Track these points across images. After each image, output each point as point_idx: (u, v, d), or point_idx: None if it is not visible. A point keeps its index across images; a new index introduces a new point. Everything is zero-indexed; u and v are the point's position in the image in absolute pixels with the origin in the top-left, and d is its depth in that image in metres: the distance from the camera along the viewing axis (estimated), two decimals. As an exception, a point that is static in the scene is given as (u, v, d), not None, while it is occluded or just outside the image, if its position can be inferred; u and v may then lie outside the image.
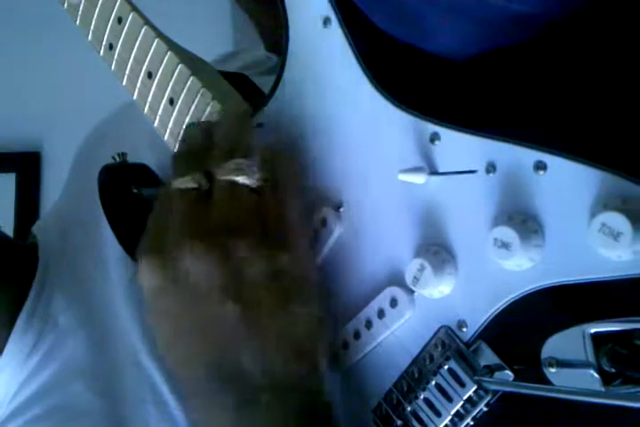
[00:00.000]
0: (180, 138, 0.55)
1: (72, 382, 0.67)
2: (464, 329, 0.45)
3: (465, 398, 0.44)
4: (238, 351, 0.47)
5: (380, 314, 0.48)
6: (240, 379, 0.47)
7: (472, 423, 0.44)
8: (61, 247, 0.73)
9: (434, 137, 0.45)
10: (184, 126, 0.56)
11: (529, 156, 0.41)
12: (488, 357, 0.44)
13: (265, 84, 0.59)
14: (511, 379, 0.43)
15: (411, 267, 0.46)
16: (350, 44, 0.49)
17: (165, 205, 0.51)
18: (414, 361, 0.47)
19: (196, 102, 0.56)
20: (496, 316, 0.44)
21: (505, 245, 0.41)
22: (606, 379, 0.39)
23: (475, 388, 0.44)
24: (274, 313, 0.47)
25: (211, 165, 0.50)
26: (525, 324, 0.43)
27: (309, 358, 0.48)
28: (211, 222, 0.48)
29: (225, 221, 0.48)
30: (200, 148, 0.52)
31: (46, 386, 0.67)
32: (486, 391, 0.44)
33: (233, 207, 0.49)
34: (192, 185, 0.50)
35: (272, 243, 0.48)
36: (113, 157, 0.66)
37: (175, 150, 0.56)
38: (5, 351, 0.68)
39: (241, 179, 0.49)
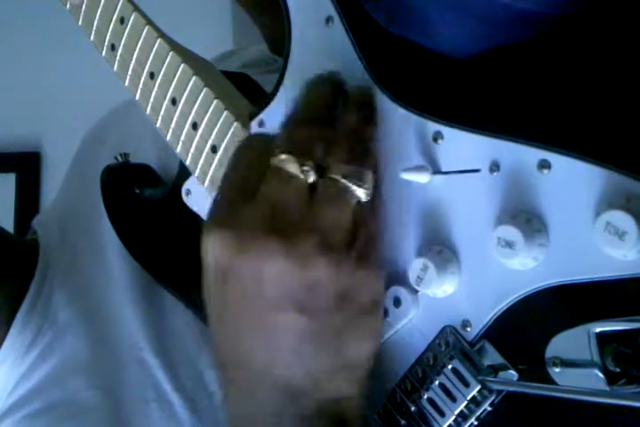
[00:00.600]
0: (303, 93, 0.49)
1: (72, 378, 0.67)
2: (468, 329, 0.45)
3: (469, 397, 0.44)
4: (290, 361, 0.45)
5: (384, 313, 0.48)
6: (285, 384, 0.45)
7: (476, 423, 0.44)
8: (62, 244, 0.73)
9: (437, 136, 0.45)
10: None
11: (533, 154, 0.41)
12: (492, 356, 0.44)
13: (266, 82, 0.59)
14: (515, 379, 0.43)
15: (414, 266, 0.46)
16: (353, 43, 0.49)
17: (255, 169, 0.46)
18: (418, 361, 0.47)
19: (198, 102, 0.56)
20: (500, 315, 0.43)
21: (509, 245, 0.41)
22: (611, 378, 0.39)
23: (479, 388, 0.44)
24: (337, 331, 0.45)
25: (329, 156, 0.45)
26: (530, 323, 0.43)
27: (358, 378, 0.46)
28: (303, 225, 0.44)
29: (320, 230, 0.44)
30: (326, 120, 0.47)
31: (45, 381, 0.67)
32: (490, 391, 0.44)
33: (334, 218, 0.44)
34: (297, 173, 0.44)
35: (355, 261, 0.44)
36: (115, 158, 0.66)
37: (297, 109, 0.49)
38: (4, 346, 0.68)
39: (358, 190, 0.45)
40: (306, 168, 0.44)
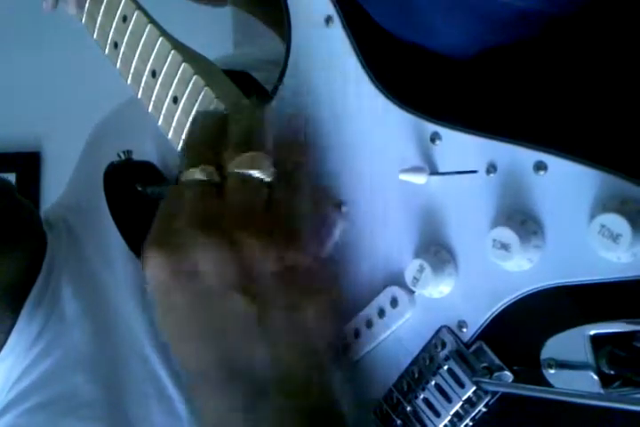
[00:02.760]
0: (192, 126, 0.54)
1: (73, 372, 0.67)
2: (464, 329, 0.45)
3: (464, 398, 0.44)
4: (250, 348, 0.46)
5: (381, 314, 0.48)
6: (250, 373, 0.46)
7: (471, 424, 0.44)
8: (67, 241, 0.74)
9: (434, 137, 0.45)
10: (191, 118, 0.55)
11: (529, 156, 0.41)
12: (488, 357, 0.44)
13: (267, 81, 0.60)
14: (510, 380, 0.43)
15: (411, 267, 0.46)
16: (352, 43, 0.49)
17: (174, 196, 0.50)
18: (414, 361, 0.47)
19: (199, 101, 0.56)
20: (496, 316, 0.44)
21: (504, 247, 0.41)
22: (605, 381, 0.39)
23: (474, 388, 0.44)
24: (286, 310, 0.46)
25: (223, 158, 0.49)
26: (525, 325, 0.43)
27: (319, 356, 0.47)
28: (221, 217, 0.47)
29: (237, 216, 0.47)
30: (213, 138, 0.51)
31: (47, 375, 0.68)
32: (485, 392, 0.44)
33: (245, 201, 0.48)
34: (202, 177, 0.49)
35: (283, 238, 0.47)
36: (118, 155, 0.67)
37: (186, 138, 0.54)
38: (10, 339, 0.68)
39: (255, 172, 0.48)
40: (208, 171, 0.48)
